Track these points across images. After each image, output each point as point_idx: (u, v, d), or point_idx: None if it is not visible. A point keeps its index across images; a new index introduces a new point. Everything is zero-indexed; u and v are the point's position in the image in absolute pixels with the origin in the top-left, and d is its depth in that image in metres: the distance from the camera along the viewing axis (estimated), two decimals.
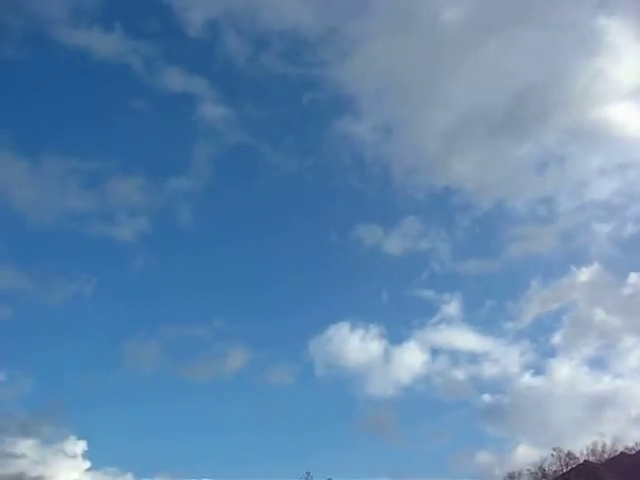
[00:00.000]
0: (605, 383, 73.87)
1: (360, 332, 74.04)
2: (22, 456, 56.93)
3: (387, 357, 72.83)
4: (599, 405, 69.40)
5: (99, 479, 60.45)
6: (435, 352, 73.17)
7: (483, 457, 61.43)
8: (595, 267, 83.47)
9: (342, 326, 73.87)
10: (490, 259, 78.04)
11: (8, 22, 68.45)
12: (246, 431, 64.39)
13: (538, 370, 74.55)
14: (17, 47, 69.78)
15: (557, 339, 78.20)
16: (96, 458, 62.64)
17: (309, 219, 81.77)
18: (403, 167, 78.93)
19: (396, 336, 74.28)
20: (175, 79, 70.57)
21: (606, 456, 65.68)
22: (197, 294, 73.87)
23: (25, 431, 60.25)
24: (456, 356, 72.64)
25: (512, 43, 76.29)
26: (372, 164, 79.76)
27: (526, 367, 73.34)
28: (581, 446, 65.07)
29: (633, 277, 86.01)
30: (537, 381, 72.39)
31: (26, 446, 58.92)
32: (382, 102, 78.79)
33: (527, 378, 72.74)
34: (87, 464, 62.40)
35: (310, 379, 70.59)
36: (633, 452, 64.71)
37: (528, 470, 65.16)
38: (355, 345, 73.21)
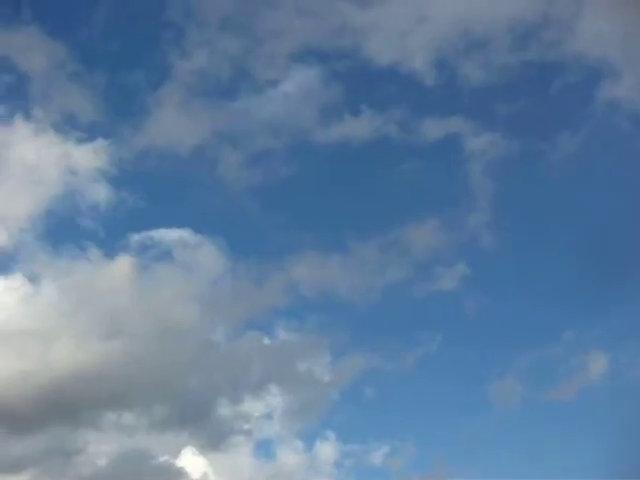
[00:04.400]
0: None
1: None
2: None
3: None
4: None
5: None
6: None
7: None
8: None
9: None
10: None
11: (272, 147, 75.78)
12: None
13: None
14: (282, 165, 77.32)
15: None
16: None
17: (615, 203, 75.88)
18: None
19: None
20: (432, 128, 72.32)
21: None
22: (539, 313, 73.11)
23: None
24: None
25: None
26: None
27: None
28: None
29: None
30: None
31: None
32: (635, 51, 72.95)
33: None
34: None
35: None
36: None
37: None
38: None
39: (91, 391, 31.17)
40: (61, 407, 31.06)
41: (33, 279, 33.16)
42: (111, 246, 34.70)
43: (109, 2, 37.72)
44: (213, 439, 34.19)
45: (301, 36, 41.34)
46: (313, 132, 65.00)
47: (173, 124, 38.81)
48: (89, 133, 35.66)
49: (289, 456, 53.12)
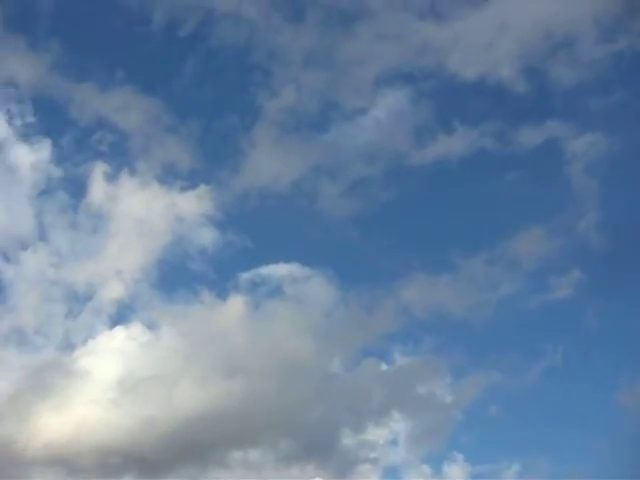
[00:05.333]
0: None
1: None
2: None
3: None
4: None
5: None
6: None
7: None
8: None
9: None
10: None
11: (369, 174, 79.01)
12: None
13: None
14: (381, 191, 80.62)
15: None
16: None
17: None
18: None
19: None
20: (528, 135, 72.56)
21: None
22: None
23: None
24: None
25: None
26: None
27: None
28: None
29: None
30: None
31: None
32: None
33: None
34: None
35: None
36: None
37: None
38: None
39: (216, 431, 31.67)
40: (188, 448, 31.62)
41: (151, 326, 34.17)
42: (222, 287, 35.41)
43: (196, 53, 39.18)
44: (340, 470, 33.94)
45: (384, 60, 41.60)
46: (408, 155, 63.77)
47: (269, 163, 39.64)
48: (191, 181, 36.86)
49: None
